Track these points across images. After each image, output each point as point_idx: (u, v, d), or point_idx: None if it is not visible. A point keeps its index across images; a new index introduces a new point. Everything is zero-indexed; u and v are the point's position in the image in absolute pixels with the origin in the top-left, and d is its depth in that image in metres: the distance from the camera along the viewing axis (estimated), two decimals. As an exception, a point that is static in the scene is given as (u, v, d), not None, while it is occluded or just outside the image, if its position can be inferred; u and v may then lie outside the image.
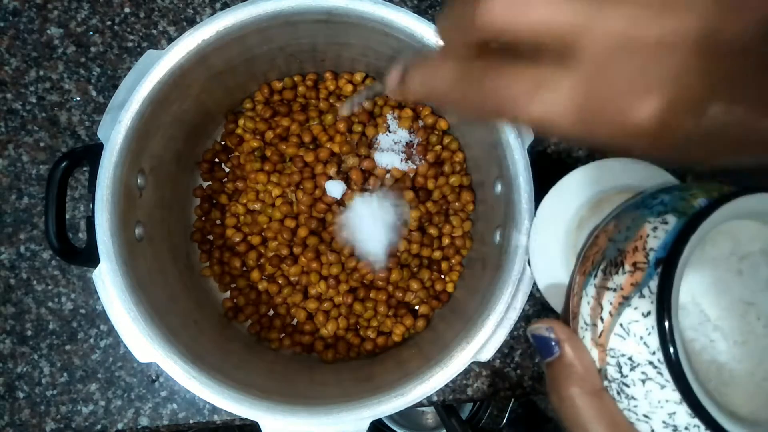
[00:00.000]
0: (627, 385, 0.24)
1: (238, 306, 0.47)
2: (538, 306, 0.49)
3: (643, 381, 0.23)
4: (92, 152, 0.37)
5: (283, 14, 0.39)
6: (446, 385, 0.38)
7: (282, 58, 0.45)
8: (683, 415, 0.23)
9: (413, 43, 0.39)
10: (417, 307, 0.47)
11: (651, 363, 0.23)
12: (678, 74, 0.16)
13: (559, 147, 0.51)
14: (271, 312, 0.47)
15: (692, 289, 0.25)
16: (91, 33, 0.50)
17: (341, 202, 0.46)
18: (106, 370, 0.48)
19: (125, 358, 0.48)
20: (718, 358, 0.24)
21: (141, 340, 0.36)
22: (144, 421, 0.48)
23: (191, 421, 0.48)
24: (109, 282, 0.36)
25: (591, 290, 0.26)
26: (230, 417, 0.48)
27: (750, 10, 0.15)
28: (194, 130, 0.46)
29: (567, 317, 0.29)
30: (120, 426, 0.47)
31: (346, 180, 0.46)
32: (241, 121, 0.47)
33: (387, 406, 0.37)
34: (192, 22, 0.51)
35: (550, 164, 0.49)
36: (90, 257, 0.37)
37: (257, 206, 0.47)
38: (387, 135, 0.46)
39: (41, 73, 0.50)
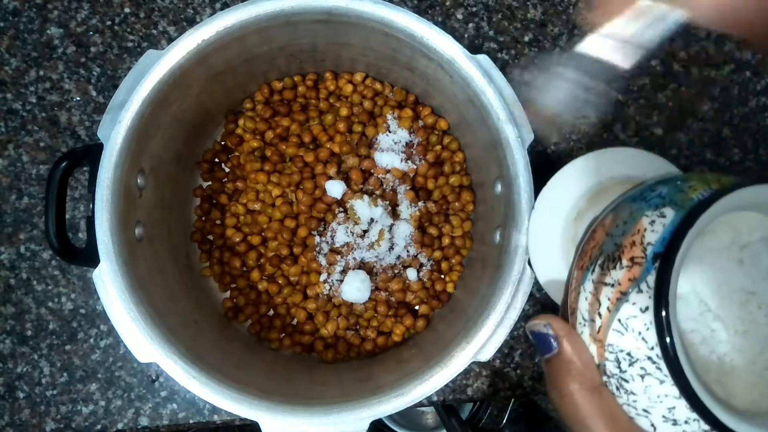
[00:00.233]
0: (626, 381, 0.24)
1: (238, 306, 0.47)
2: (538, 306, 0.49)
3: (642, 376, 0.23)
4: (92, 152, 0.37)
5: (283, 14, 0.39)
6: (446, 385, 0.38)
7: (282, 58, 0.45)
8: (683, 409, 0.23)
9: (413, 43, 0.39)
10: (417, 307, 0.47)
11: (650, 358, 0.23)
12: None
13: (559, 147, 0.51)
14: (271, 312, 0.47)
15: (693, 279, 0.25)
16: (91, 33, 0.50)
17: (341, 203, 0.46)
18: (106, 370, 0.48)
19: (125, 358, 0.48)
20: (718, 349, 0.24)
21: (141, 340, 0.36)
22: (144, 421, 0.48)
23: (191, 421, 0.48)
24: (109, 282, 0.36)
25: (589, 285, 0.26)
26: (230, 417, 0.48)
27: None
28: (194, 130, 0.46)
29: (566, 312, 0.29)
30: (120, 426, 0.47)
31: (346, 180, 0.46)
32: (241, 121, 0.47)
33: (387, 406, 0.37)
34: (192, 22, 0.51)
35: (550, 164, 0.49)
36: (90, 257, 0.37)
37: (257, 206, 0.47)
38: (387, 135, 0.46)
39: (41, 73, 0.50)
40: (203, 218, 0.48)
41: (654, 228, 0.24)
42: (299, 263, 0.46)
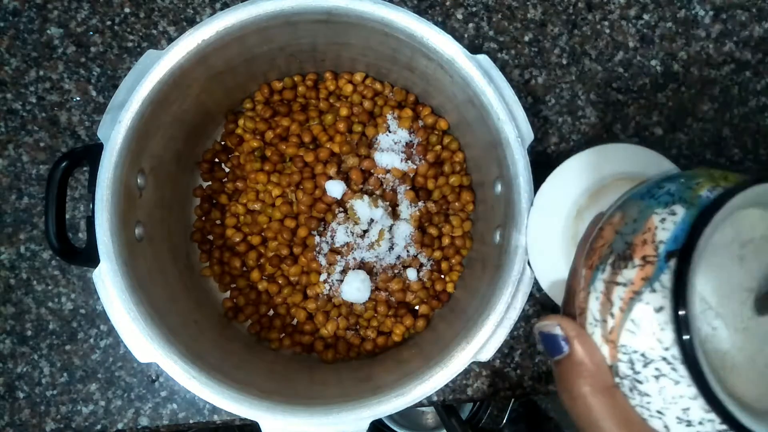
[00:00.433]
0: (640, 382, 0.24)
1: (238, 306, 0.47)
2: (537, 306, 0.49)
3: (657, 377, 0.23)
4: (92, 152, 0.37)
5: (283, 14, 0.39)
6: (446, 385, 0.38)
7: (282, 58, 0.45)
8: (697, 410, 0.22)
9: (413, 43, 0.39)
10: (417, 307, 0.47)
11: (664, 359, 0.22)
12: None
13: (559, 147, 0.51)
14: (271, 312, 0.47)
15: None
16: (91, 33, 0.50)
17: (341, 203, 0.46)
18: (106, 370, 0.48)
19: (125, 358, 0.48)
20: (720, 347, 0.24)
21: (141, 340, 0.36)
22: (144, 421, 0.48)
23: (191, 421, 0.48)
24: (109, 282, 0.36)
25: (599, 285, 0.25)
26: (230, 417, 0.48)
27: None
28: (194, 130, 0.46)
29: (569, 310, 0.28)
30: (120, 426, 0.47)
31: (346, 180, 0.46)
32: (241, 121, 0.47)
33: (387, 406, 0.37)
34: (192, 22, 0.51)
35: (550, 164, 0.49)
36: (90, 257, 0.37)
37: (257, 206, 0.47)
38: (387, 135, 0.46)
39: (41, 73, 0.50)
40: (203, 218, 0.48)
41: (665, 226, 0.24)
42: (299, 263, 0.46)
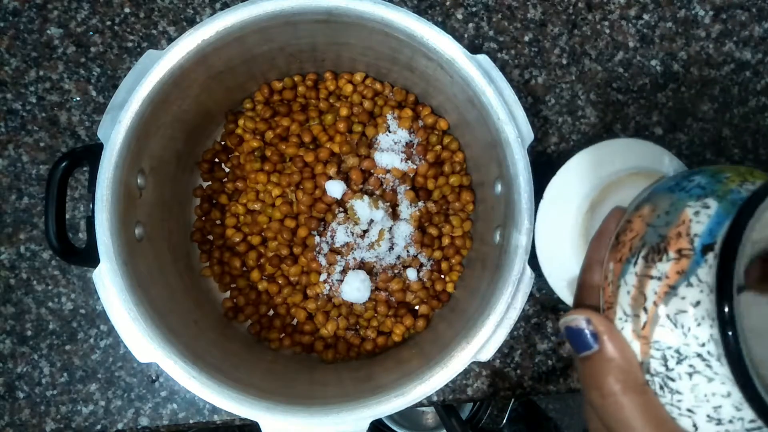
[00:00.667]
0: (672, 379, 0.23)
1: (238, 306, 0.47)
2: (537, 306, 0.49)
3: (690, 374, 0.22)
4: (92, 152, 0.37)
5: (283, 14, 0.39)
6: (446, 385, 0.38)
7: (282, 58, 0.45)
8: (728, 407, 0.22)
9: (413, 43, 0.39)
10: (417, 307, 0.47)
11: (699, 355, 0.22)
12: None
13: (559, 147, 0.51)
14: (271, 312, 0.47)
15: None
16: (91, 33, 0.50)
17: (341, 203, 0.46)
18: (106, 370, 0.48)
19: (125, 358, 0.48)
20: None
21: (141, 340, 0.36)
22: (144, 421, 0.48)
23: (191, 421, 0.48)
24: (109, 282, 0.36)
25: (631, 279, 0.24)
26: (230, 417, 0.48)
27: None
28: (194, 130, 0.46)
29: (582, 305, 0.27)
30: (120, 426, 0.47)
31: (346, 180, 0.46)
32: (241, 121, 0.47)
33: (387, 406, 0.37)
34: (192, 22, 0.51)
35: (550, 164, 0.49)
36: (90, 257, 0.37)
37: (257, 206, 0.47)
38: (387, 135, 0.46)
39: (41, 73, 0.50)
40: (203, 218, 0.48)
41: (699, 219, 0.23)
42: (299, 263, 0.46)
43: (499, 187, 0.41)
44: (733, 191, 0.24)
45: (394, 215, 0.46)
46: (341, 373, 0.44)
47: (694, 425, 0.23)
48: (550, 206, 0.37)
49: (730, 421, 0.22)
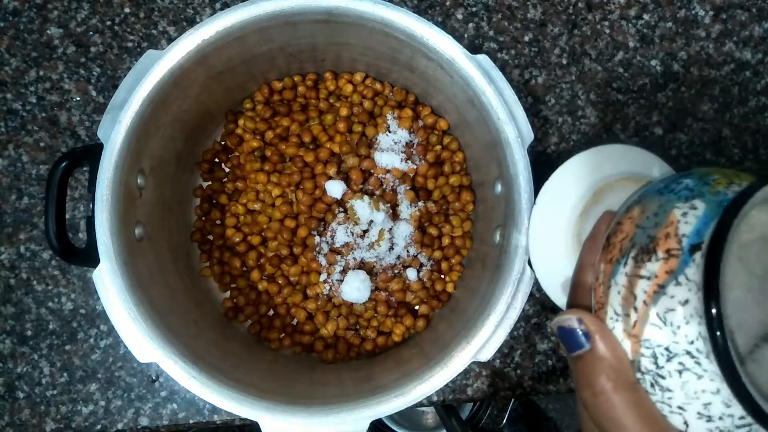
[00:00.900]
0: (662, 377, 0.23)
1: (238, 306, 0.47)
2: (537, 306, 0.50)
3: (680, 372, 0.23)
4: (92, 152, 0.37)
5: (283, 14, 0.39)
6: (446, 385, 0.38)
7: (282, 58, 0.45)
8: (718, 404, 0.22)
9: (413, 43, 0.39)
10: (417, 307, 0.47)
11: (689, 353, 0.22)
12: None
13: (559, 147, 0.51)
14: (271, 312, 0.47)
15: None
16: (91, 33, 0.50)
17: (341, 203, 0.46)
18: (106, 370, 0.48)
19: (125, 358, 0.48)
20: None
21: (141, 340, 0.36)
22: (144, 421, 0.48)
23: (191, 421, 0.48)
24: (109, 282, 0.36)
25: (621, 279, 0.25)
26: (230, 417, 0.48)
27: None
28: (194, 130, 0.46)
29: (575, 306, 0.28)
30: (120, 426, 0.47)
31: (346, 180, 0.46)
32: (241, 121, 0.47)
33: (387, 406, 0.37)
34: (192, 22, 0.51)
35: (550, 164, 0.49)
36: (90, 257, 0.37)
37: (257, 206, 0.47)
38: (387, 135, 0.46)
39: (41, 73, 0.50)
40: (203, 218, 0.48)
41: (687, 220, 0.24)
42: (299, 263, 0.46)
43: (499, 187, 0.41)
44: (720, 193, 0.24)
45: (394, 215, 0.46)
46: (341, 373, 0.44)
47: (685, 422, 0.24)
48: (543, 209, 0.37)
49: (720, 418, 0.23)
